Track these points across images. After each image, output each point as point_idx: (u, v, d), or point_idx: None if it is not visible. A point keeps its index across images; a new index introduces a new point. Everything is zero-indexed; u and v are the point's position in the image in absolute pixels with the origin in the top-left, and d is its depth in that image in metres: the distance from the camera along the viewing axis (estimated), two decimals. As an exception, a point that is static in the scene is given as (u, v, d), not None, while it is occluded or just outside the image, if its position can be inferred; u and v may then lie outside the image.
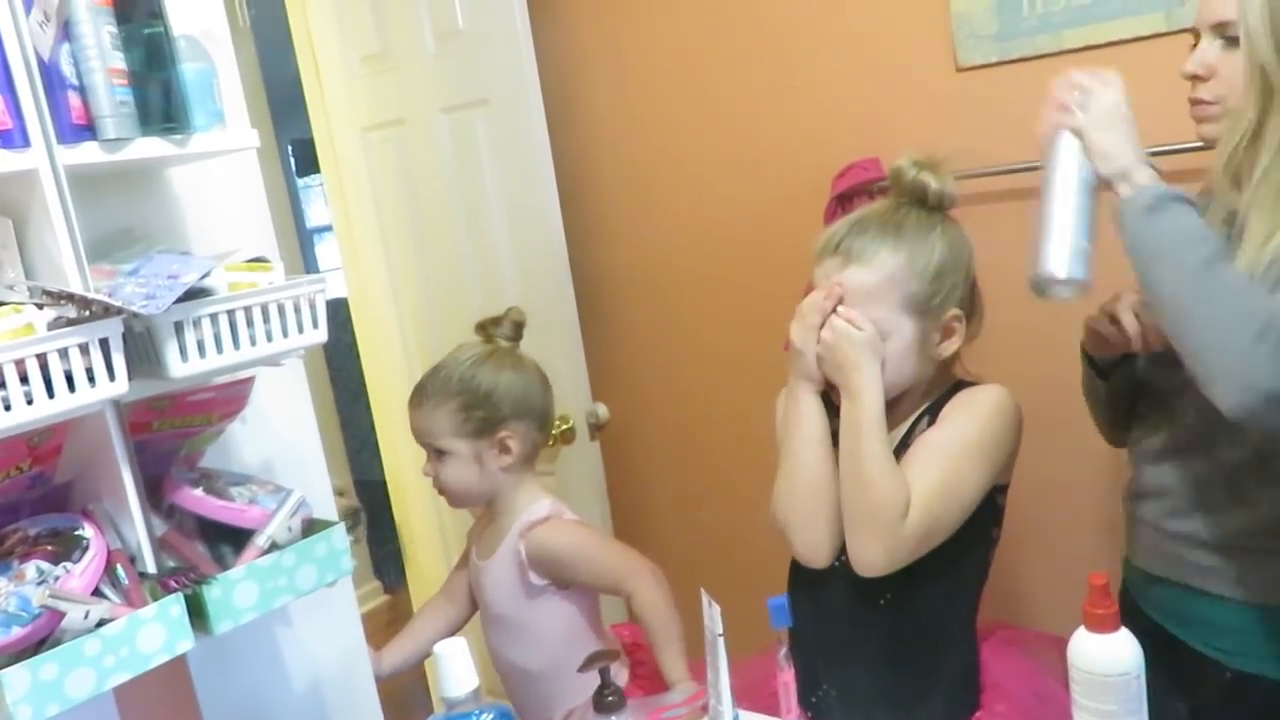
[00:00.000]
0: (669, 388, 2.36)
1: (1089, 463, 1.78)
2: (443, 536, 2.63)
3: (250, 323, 1.02)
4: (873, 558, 1.21)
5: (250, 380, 1.14)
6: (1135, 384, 1.40)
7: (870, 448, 1.21)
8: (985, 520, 1.28)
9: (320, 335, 1.08)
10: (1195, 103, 1.25)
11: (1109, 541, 1.60)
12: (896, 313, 1.25)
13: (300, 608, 1.32)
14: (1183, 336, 1.09)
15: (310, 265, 5.85)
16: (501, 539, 1.57)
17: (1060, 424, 1.71)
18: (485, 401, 1.54)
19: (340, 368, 4.32)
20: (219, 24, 1.25)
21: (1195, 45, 1.26)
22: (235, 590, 1.01)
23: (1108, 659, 0.98)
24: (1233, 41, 1.18)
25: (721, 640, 1.15)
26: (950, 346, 1.29)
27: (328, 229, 2.84)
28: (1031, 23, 1.75)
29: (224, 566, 1.04)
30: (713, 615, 1.16)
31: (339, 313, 2.79)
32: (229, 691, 1.24)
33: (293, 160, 5.58)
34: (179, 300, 0.94)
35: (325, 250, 6.08)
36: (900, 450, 1.28)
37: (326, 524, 1.12)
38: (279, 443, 1.32)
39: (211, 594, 0.99)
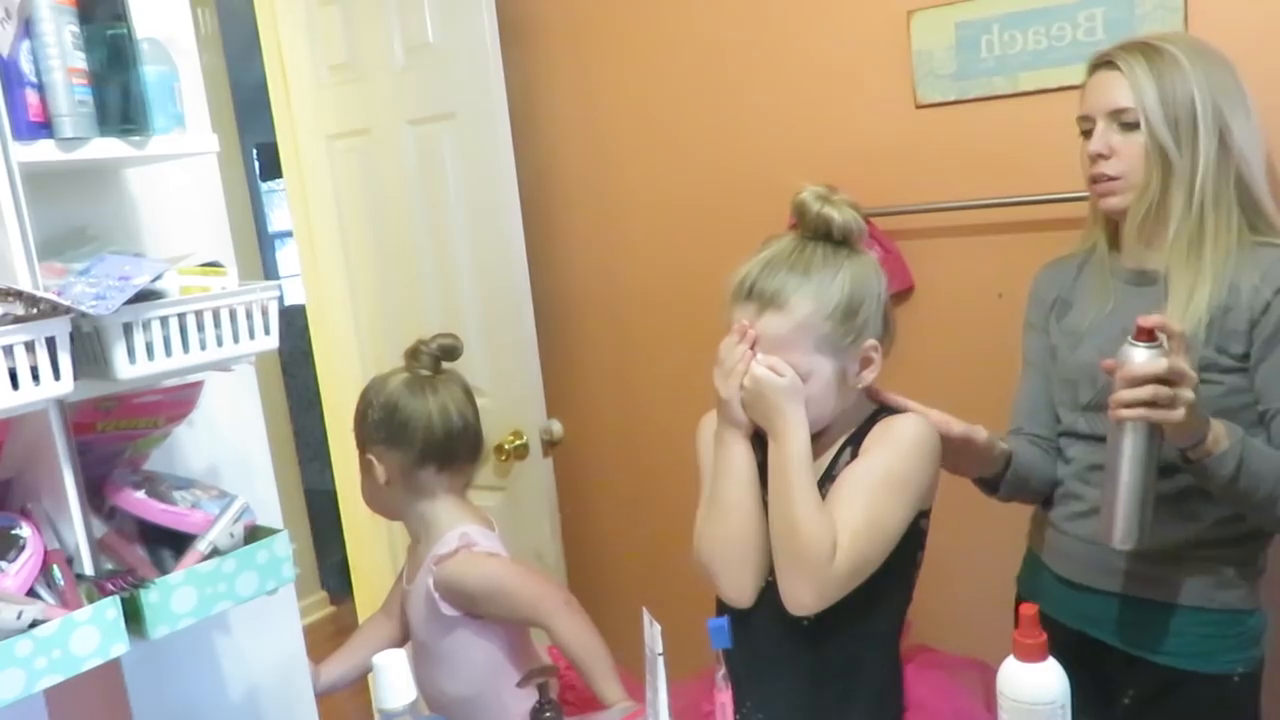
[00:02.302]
0: (624, 407, 2.37)
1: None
2: (390, 549, 2.61)
3: (201, 327, 1.01)
4: (803, 599, 1.23)
5: (199, 384, 1.14)
6: (1023, 480, 1.53)
7: (798, 492, 1.23)
8: (909, 545, 1.30)
9: (271, 342, 1.08)
10: (1099, 179, 1.41)
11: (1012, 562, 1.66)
12: (813, 355, 1.26)
13: (240, 615, 1.31)
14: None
15: (270, 270, 5.80)
16: (419, 566, 1.57)
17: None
18: (366, 420, 1.58)
19: (296, 375, 4.29)
20: (184, 28, 1.25)
21: (1086, 132, 1.43)
22: (173, 595, 1.00)
23: (1036, 687, 1.01)
24: (1128, 126, 1.36)
25: (661, 659, 1.16)
26: (869, 375, 1.32)
27: (290, 234, 2.83)
28: (989, 64, 1.80)
29: (163, 571, 1.03)
30: (653, 634, 1.17)
31: (297, 320, 2.77)
32: (163, 697, 1.23)
33: (257, 164, 5.53)
34: (129, 302, 0.94)
35: (286, 255, 6.02)
36: (825, 482, 1.30)
37: (270, 531, 1.12)
38: (226, 448, 1.32)
39: (149, 598, 0.98)
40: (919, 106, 1.88)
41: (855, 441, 1.32)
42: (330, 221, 2.56)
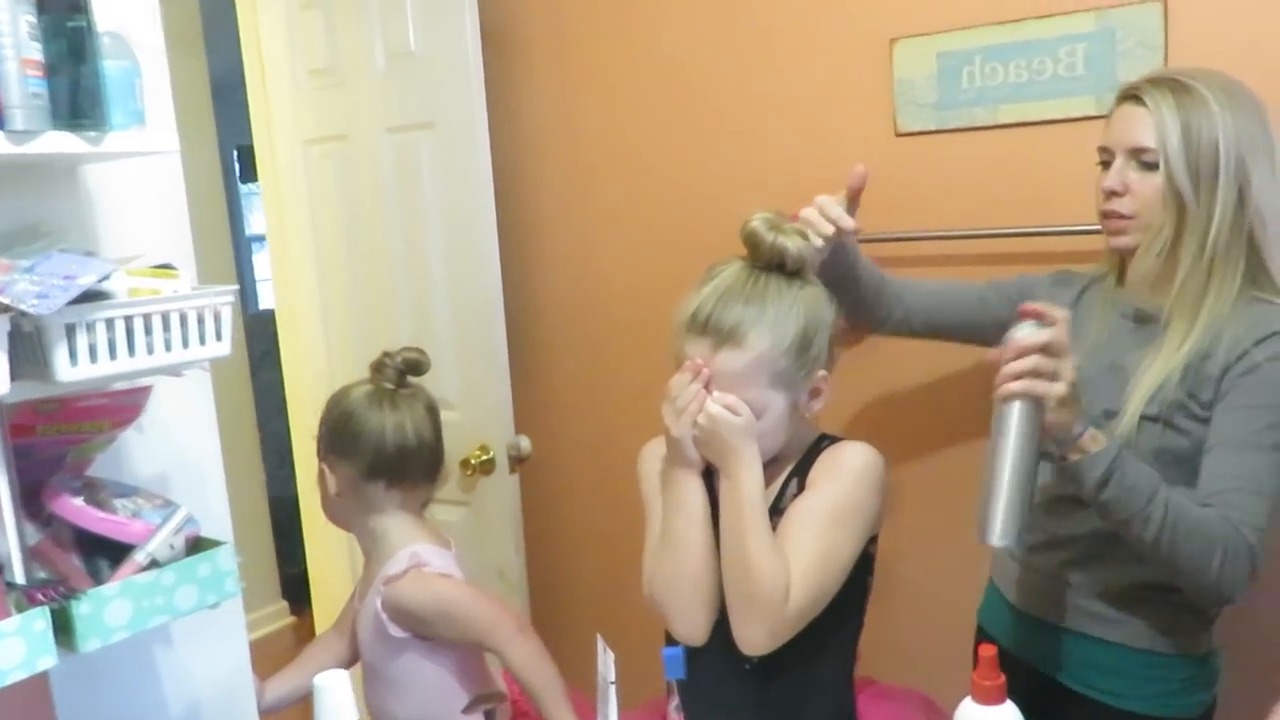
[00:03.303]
0: (594, 426, 2.34)
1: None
2: (351, 561, 2.57)
3: (149, 330, 0.98)
4: (757, 640, 1.22)
5: (147, 389, 1.10)
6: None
7: (751, 533, 1.21)
8: (859, 572, 1.29)
9: (224, 348, 1.05)
10: (1111, 215, 1.37)
11: (966, 595, 1.65)
12: (768, 390, 1.25)
13: (183, 627, 1.27)
14: (1160, 564, 1.24)
15: (247, 273, 5.73)
16: (370, 585, 1.54)
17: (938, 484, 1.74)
18: (323, 428, 1.56)
19: (264, 380, 4.24)
20: (151, 23, 1.23)
21: (1104, 163, 1.38)
22: (107, 607, 0.97)
23: (993, 731, 0.99)
24: (1148, 166, 1.32)
25: (613, 688, 1.13)
26: (818, 405, 1.31)
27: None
28: (970, 95, 1.79)
29: (99, 581, 0.99)
30: (606, 662, 1.14)
31: (269, 324, 2.74)
32: (94, 713, 1.18)
33: (238, 166, 5.48)
34: (74, 302, 0.91)
35: (264, 259, 5.96)
36: (773, 514, 1.28)
37: (214, 544, 1.09)
38: (178, 455, 1.28)
39: (80, 610, 0.95)
40: (899, 134, 1.87)
41: (801, 471, 1.31)
42: (304, 226, 2.53)
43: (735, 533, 1.23)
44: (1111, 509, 1.21)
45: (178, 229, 1.27)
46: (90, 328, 0.93)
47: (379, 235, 2.37)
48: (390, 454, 1.52)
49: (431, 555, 1.51)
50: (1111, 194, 1.35)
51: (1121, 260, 1.43)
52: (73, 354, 0.93)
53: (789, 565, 1.20)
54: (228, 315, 1.05)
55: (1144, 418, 1.30)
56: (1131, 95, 1.35)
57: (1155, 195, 1.31)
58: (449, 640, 1.50)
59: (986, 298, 1.59)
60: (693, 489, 1.28)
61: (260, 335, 3.80)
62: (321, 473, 1.55)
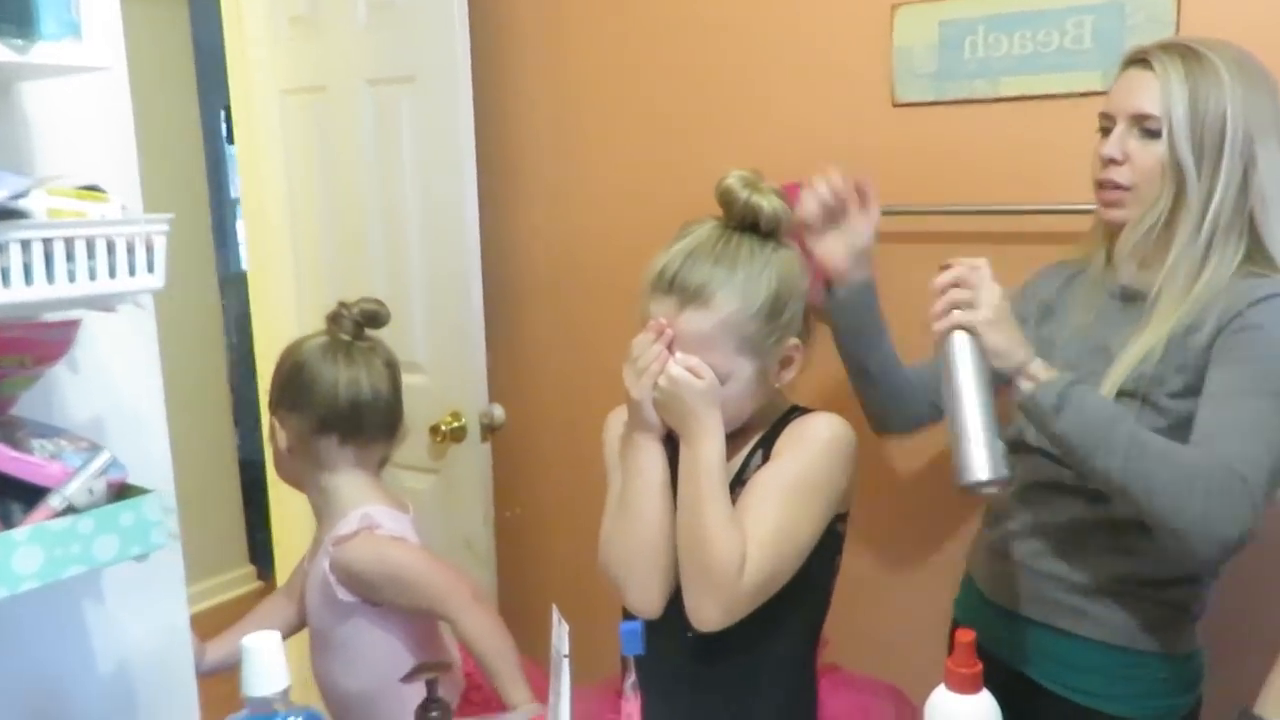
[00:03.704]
0: (570, 397, 2.27)
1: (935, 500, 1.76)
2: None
3: (71, 256, 0.90)
4: (709, 615, 1.16)
5: (75, 324, 1.03)
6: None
7: (708, 503, 1.15)
8: (825, 551, 1.23)
9: (155, 281, 0.97)
10: (1107, 185, 1.29)
11: (943, 583, 1.59)
12: (734, 355, 1.19)
13: (114, 581, 1.20)
14: (1136, 506, 1.15)
15: (229, 235, 5.65)
16: (320, 546, 1.47)
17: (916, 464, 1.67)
18: (274, 380, 1.50)
19: (240, 341, 4.16)
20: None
21: (1105, 129, 1.30)
22: (15, 554, 0.89)
23: (967, 721, 0.92)
24: (1149, 134, 1.24)
25: (566, 662, 1.07)
26: (789, 375, 1.25)
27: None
28: (971, 66, 1.72)
29: (9, 525, 0.92)
30: (560, 634, 1.08)
31: (245, 285, 2.66)
32: (12, 665, 1.11)
33: (224, 127, 5.39)
34: (-15, 219, 0.83)
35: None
36: (735, 486, 1.22)
37: (140, 491, 1.01)
38: (114, 398, 1.20)
39: (-16, 554, 0.87)
40: (896, 105, 1.80)
41: (767, 443, 1.25)
42: (279, 183, 2.45)
43: (691, 501, 1.17)
44: (1071, 441, 1.15)
45: (122, 154, 1.18)
46: (3, 249, 0.85)
47: (355, 193, 2.29)
48: (343, 408, 1.44)
49: (385, 517, 1.44)
50: (1110, 162, 1.27)
51: (1111, 238, 1.35)
52: (-18, 276, 0.85)
53: (746, 538, 1.13)
54: (161, 245, 0.97)
55: (1121, 393, 1.23)
56: (1139, 59, 1.27)
57: (1155, 165, 1.23)
58: (399, 607, 1.44)
59: None
60: (651, 454, 1.21)
61: (237, 297, 3.72)
62: (272, 427, 1.48)
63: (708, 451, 1.16)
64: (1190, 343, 1.21)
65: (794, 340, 1.23)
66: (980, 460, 1.14)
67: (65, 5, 0.96)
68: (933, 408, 1.47)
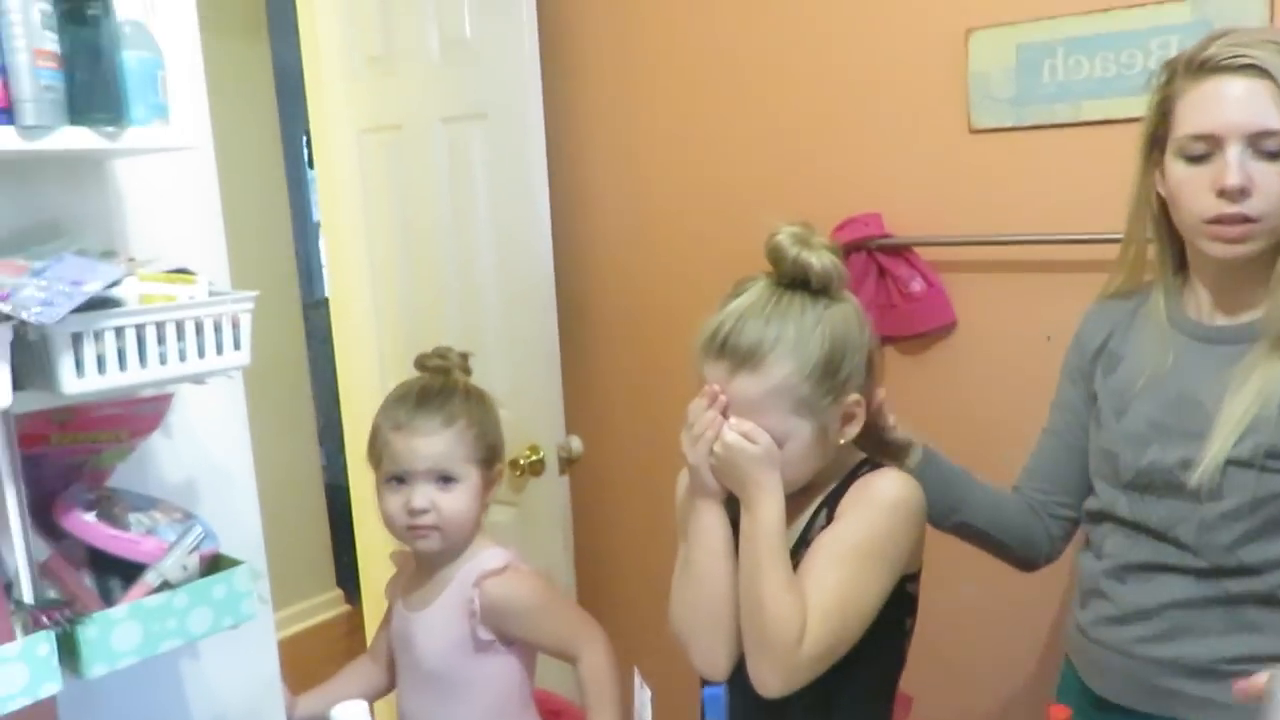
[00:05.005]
0: (646, 428, 2.26)
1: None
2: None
3: (161, 339, 0.93)
4: (769, 682, 1.14)
5: (168, 398, 1.06)
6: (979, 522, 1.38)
7: (767, 569, 1.13)
8: (895, 612, 1.20)
9: (242, 358, 0.99)
10: (1228, 220, 1.12)
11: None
12: (790, 417, 1.16)
13: (208, 639, 1.23)
14: None
15: (313, 257, 5.76)
16: (443, 588, 1.47)
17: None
18: (490, 428, 1.50)
19: (323, 367, 4.24)
20: (183, 12, 1.17)
21: (1201, 156, 1.14)
22: (114, 631, 0.92)
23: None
24: (1269, 155, 1.09)
25: (648, 729, 1.07)
26: (852, 431, 1.21)
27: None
28: (1051, 90, 1.67)
29: (109, 601, 0.95)
30: (643, 700, 1.07)
31: (327, 312, 2.72)
32: (107, 728, 1.15)
33: (306, 153, 5.51)
34: (81, 310, 0.86)
35: (329, 245, 6.00)
36: (800, 547, 1.20)
37: (233, 562, 1.03)
38: (206, 463, 1.24)
39: (86, 634, 0.90)
40: (973, 131, 1.76)
41: (832, 502, 1.22)
42: (357, 215, 2.49)
43: (750, 568, 1.15)
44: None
45: (208, 228, 1.22)
46: (98, 337, 0.88)
47: (430, 227, 2.32)
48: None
49: (514, 554, 1.49)
50: (1238, 193, 1.10)
51: (1178, 266, 1.23)
52: (79, 364, 0.88)
53: (806, 606, 1.12)
54: (247, 323, 0.99)
55: (1231, 462, 1.12)
56: (1237, 65, 1.09)
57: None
58: (529, 643, 1.48)
59: (1072, 423, 1.38)
60: (712, 519, 1.20)
61: (321, 322, 3.80)
62: (498, 472, 1.54)
63: (766, 516, 1.14)
64: None
65: (854, 396, 1.20)
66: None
67: (154, 90, 0.99)
68: (1063, 509, 1.37)
